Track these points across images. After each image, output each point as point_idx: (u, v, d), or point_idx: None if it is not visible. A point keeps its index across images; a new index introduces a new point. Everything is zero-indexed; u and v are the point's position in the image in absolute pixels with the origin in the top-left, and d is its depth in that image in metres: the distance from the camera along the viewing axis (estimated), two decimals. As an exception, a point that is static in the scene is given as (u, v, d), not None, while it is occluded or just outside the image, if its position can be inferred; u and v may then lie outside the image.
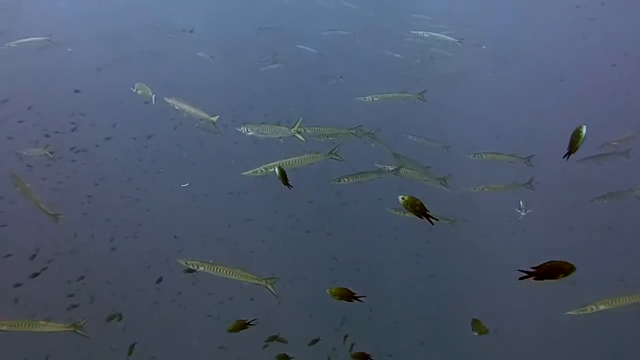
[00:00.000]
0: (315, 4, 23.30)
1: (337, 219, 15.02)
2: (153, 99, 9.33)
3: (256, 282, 6.66)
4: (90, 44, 16.74)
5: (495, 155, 9.64)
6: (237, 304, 12.81)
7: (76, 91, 13.61)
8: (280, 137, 7.70)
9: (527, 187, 9.84)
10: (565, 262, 4.29)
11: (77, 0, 19.35)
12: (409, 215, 8.86)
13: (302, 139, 7.52)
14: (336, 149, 7.28)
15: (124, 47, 16.75)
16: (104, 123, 14.28)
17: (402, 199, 4.94)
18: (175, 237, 13.49)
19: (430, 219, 5.02)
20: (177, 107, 7.95)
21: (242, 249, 13.64)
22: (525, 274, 4.19)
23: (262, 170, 6.85)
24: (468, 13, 22.26)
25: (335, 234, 14.47)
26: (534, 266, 4.26)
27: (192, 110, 7.92)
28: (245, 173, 6.92)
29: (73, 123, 13.38)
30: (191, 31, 16.56)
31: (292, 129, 7.44)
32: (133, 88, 9.49)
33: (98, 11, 19.22)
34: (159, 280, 11.78)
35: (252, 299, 12.51)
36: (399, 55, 18.93)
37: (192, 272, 8.76)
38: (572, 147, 4.87)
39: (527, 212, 9.88)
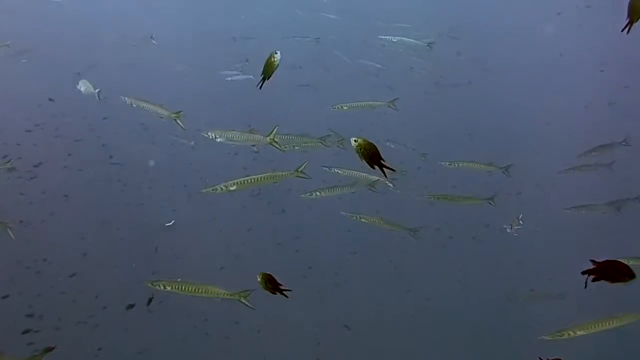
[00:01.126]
0: (293, 13, 23.13)
1: (311, 233, 14.63)
2: (97, 95, 9.10)
3: (229, 297, 6.26)
4: (54, 54, 16.23)
5: (473, 164, 9.34)
6: (213, 324, 12.37)
7: (50, 99, 13.04)
8: (254, 146, 7.25)
9: (489, 203, 9.33)
10: (628, 267, 3.93)
11: (45, 9, 18.90)
12: (365, 219, 8.70)
13: (280, 147, 7.09)
14: (303, 166, 6.84)
15: (92, 58, 16.23)
16: (70, 134, 13.76)
17: (355, 141, 4.29)
18: (152, 255, 12.93)
19: (384, 169, 4.32)
20: (134, 105, 7.44)
21: (215, 265, 13.13)
22: (588, 271, 3.86)
23: (222, 188, 6.44)
24: (449, 22, 22.26)
25: (309, 249, 14.13)
26: (595, 261, 3.86)
27: (152, 107, 7.42)
28: (204, 190, 6.52)
29: (29, 131, 12.81)
30: (151, 37, 16.05)
31: (267, 138, 6.95)
32: (78, 85, 9.19)
33: (63, 20, 18.76)
34: (131, 307, 11.12)
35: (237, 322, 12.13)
36: (379, 66, 18.71)
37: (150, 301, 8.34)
38: (636, 16, 4.12)
39: (517, 227, 9.46)
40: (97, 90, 9.37)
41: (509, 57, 23.87)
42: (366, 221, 8.86)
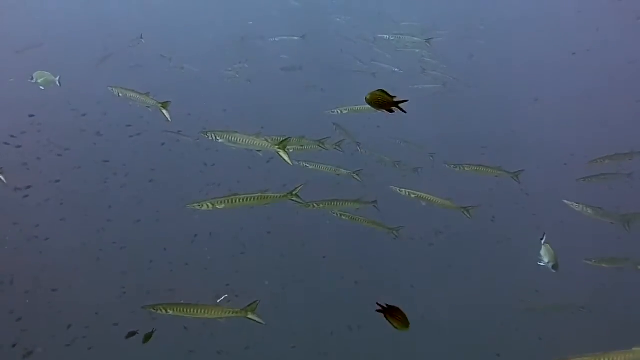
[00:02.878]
0: (302, 14, 22.98)
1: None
2: (58, 81, 8.90)
3: (235, 314, 6.04)
4: (51, 53, 16.10)
5: (480, 168, 8.83)
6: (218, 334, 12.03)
7: (31, 115, 12.81)
8: (259, 151, 6.82)
9: (465, 214, 8.65)
10: None
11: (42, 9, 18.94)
12: (345, 217, 8.31)
13: (287, 159, 6.48)
14: (298, 190, 6.45)
15: (91, 57, 16.10)
16: (61, 140, 13.60)
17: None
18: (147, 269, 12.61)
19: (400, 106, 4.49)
20: (121, 95, 7.22)
21: (217, 277, 12.77)
22: None
23: (208, 205, 6.11)
24: (461, 22, 21.92)
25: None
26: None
27: (139, 97, 7.18)
28: (189, 205, 6.18)
29: (14, 137, 12.61)
30: (141, 36, 15.84)
31: (276, 146, 6.42)
32: (32, 79, 8.96)
33: (62, 20, 18.71)
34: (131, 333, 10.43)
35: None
36: (396, 69, 18.38)
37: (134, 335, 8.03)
38: None
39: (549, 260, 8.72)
40: (57, 78, 9.17)
41: (525, 55, 23.48)
42: (347, 219, 8.50)
